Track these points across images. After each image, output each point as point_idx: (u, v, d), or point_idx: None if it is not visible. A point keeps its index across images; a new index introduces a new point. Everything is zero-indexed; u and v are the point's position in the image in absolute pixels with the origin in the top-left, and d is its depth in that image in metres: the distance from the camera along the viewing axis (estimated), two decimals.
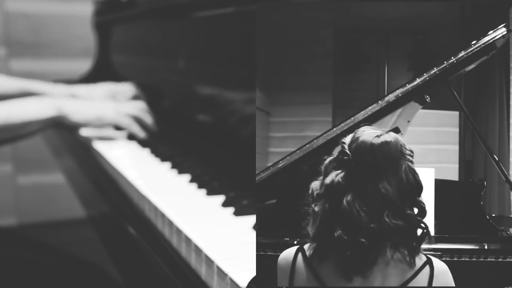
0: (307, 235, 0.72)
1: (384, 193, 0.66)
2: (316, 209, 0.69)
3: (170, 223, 0.81)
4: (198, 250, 0.71)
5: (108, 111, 1.38)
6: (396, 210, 0.66)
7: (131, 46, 1.91)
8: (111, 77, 2.06)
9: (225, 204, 0.90)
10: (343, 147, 0.70)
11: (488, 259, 1.04)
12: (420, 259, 0.68)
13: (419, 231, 0.69)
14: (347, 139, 0.71)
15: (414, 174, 0.68)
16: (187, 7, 1.37)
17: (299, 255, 0.71)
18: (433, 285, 0.66)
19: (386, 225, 0.65)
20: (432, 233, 1.11)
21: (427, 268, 0.67)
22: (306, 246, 0.72)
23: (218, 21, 1.25)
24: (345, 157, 0.69)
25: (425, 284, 0.66)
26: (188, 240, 0.75)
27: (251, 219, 0.84)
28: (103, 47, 2.16)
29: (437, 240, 1.08)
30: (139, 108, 1.44)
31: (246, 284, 0.61)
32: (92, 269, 1.31)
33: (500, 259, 1.04)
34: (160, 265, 0.78)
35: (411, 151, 0.70)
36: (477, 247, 1.06)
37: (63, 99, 1.43)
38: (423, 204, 0.68)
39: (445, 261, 1.02)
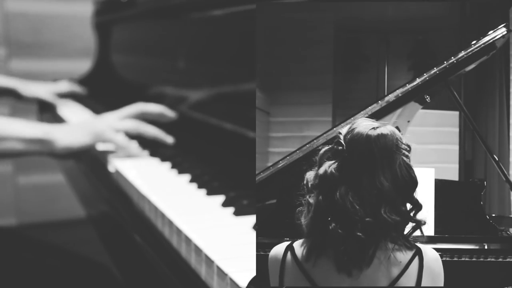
0: (301, 227, 0.69)
1: (380, 188, 0.64)
2: (310, 200, 0.68)
3: (170, 223, 0.81)
4: (198, 250, 0.71)
5: (99, 134, 1.22)
6: (393, 205, 0.65)
7: (131, 46, 1.91)
8: (111, 77, 2.06)
9: (225, 204, 0.90)
10: (338, 137, 0.69)
11: (488, 259, 1.04)
12: (411, 251, 0.67)
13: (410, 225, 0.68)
14: (344, 130, 0.69)
15: (409, 169, 0.67)
16: (187, 7, 1.37)
17: (288, 254, 0.70)
18: (423, 275, 0.66)
19: (384, 220, 0.64)
20: (432, 233, 1.11)
21: (416, 260, 0.66)
22: (296, 244, 0.71)
23: (218, 21, 1.25)
24: (340, 147, 0.67)
25: (415, 275, 0.66)
26: (188, 240, 0.75)
27: (251, 219, 0.84)
28: (103, 47, 2.17)
29: (437, 240, 1.08)
30: (135, 122, 1.26)
31: (246, 284, 0.61)
32: (95, 268, 1.31)
33: (500, 259, 1.04)
34: (160, 265, 0.78)
35: (408, 146, 0.68)
36: (477, 247, 1.06)
37: (54, 126, 1.24)
38: (417, 200, 0.67)
39: (445, 261, 1.04)
